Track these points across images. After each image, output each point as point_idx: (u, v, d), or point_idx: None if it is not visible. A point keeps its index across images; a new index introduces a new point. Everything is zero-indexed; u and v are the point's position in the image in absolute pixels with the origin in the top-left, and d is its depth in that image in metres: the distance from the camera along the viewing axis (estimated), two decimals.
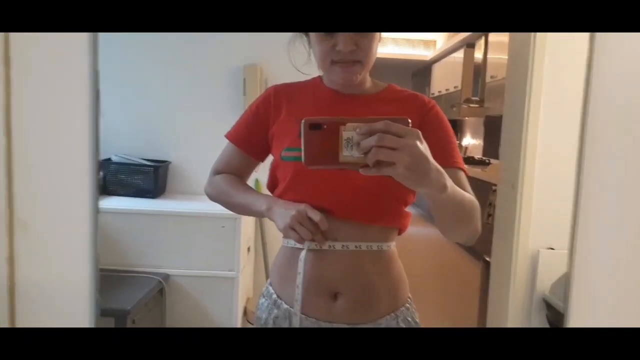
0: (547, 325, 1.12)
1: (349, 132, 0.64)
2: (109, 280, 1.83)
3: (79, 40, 0.63)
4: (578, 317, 0.76)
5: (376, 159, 0.63)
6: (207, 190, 1.02)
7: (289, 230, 0.85)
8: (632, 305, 0.76)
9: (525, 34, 1.10)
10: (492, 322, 1.24)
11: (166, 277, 1.95)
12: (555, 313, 1.09)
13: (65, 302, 0.68)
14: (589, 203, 0.74)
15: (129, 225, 1.96)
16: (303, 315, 0.88)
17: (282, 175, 0.91)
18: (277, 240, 0.97)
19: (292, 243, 0.90)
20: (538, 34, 1.07)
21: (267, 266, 2.30)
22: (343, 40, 0.83)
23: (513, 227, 1.12)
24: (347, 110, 0.90)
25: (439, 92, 5.06)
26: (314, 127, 0.65)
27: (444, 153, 0.86)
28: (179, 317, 1.99)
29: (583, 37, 0.76)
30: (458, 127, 4.90)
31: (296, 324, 0.88)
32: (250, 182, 1.04)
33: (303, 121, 0.66)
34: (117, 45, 2.16)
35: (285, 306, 0.91)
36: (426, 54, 5.51)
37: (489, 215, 2.22)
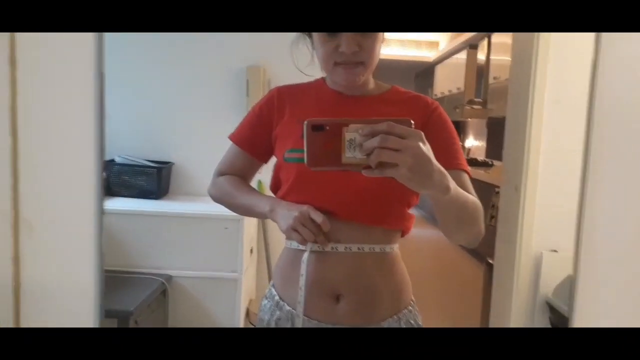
0: None
1: (351, 133, 0.64)
2: (111, 281, 1.83)
3: (84, 41, 0.64)
4: (583, 321, 0.75)
5: (379, 160, 0.63)
6: (210, 191, 1.02)
7: (292, 231, 0.85)
8: (639, 309, 0.75)
9: (528, 35, 1.10)
10: (494, 325, 1.24)
11: (169, 278, 1.96)
12: (558, 316, 1.09)
13: (69, 302, 0.68)
14: (595, 205, 0.74)
15: (132, 226, 1.96)
16: (305, 317, 0.88)
17: (285, 177, 0.91)
18: (279, 241, 0.97)
19: (294, 245, 0.90)
20: (541, 35, 1.07)
21: (270, 268, 2.30)
22: (346, 41, 0.83)
23: (516, 229, 1.12)
24: (350, 111, 0.90)
25: (442, 93, 5.05)
26: (316, 128, 0.65)
27: (448, 155, 0.86)
28: (181, 318, 2.00)
29: (586, 38, 0.76)
30: (461, 129, 4.89)
31: (298, 325, 0.88)
32: (253, 183, 1.04)
33: (305, 122, 0.66)
34: (119, 46, 2.17)
35: (288, 308, 0.91)
36: (429, 55, 5.51)
37: (492, 217, 2.22)
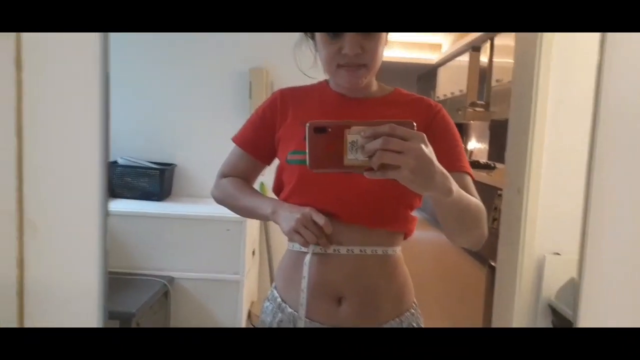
0: None
1: (353, 135, 0.64)
2: (114, 282, 1.84)
3: (89, 41, 0.64)
4: (587, 324, 0.75)
5: (381, 162, 0.63)
6: (213, 193, 1.03)
7: (294, 233, 0.85)
8: None
9: (531, 35, 1.10)
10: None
11: (171, 280, 1.96)
12: (560, 319, 1.08)
13: (73, 303, 0.68)
14: (599, 208, 0.73)
15: (134, 228, 1.97)
16: (308, 320, 0.88)
17: (287, 179, 0.91)
18: (282, 243, 0.97)
19: (297, 247, 0.90)
20: (544, 36, 1.06)
21: (272, 270, 2.30)
22: (349, 43, 0.83)
23: (519, 232, 1.12)
24: (353, 113, 0.90)
25: (445, 95, 5.06)
26: (318, 130, 0.65)
27: (451, 157, 0.86)
28: (183, 320, 2.00)
29: (588, 38, 0.75)
30: (463, 131, 4.89)
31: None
32: (256, 185, 1.04)
33: (308, 124, 0.66)
34: (125, 46, 2.18)
35: (290, 310, 0.91)
36: (431, 58, 5.51)
37: (495, 219, 2.22)
